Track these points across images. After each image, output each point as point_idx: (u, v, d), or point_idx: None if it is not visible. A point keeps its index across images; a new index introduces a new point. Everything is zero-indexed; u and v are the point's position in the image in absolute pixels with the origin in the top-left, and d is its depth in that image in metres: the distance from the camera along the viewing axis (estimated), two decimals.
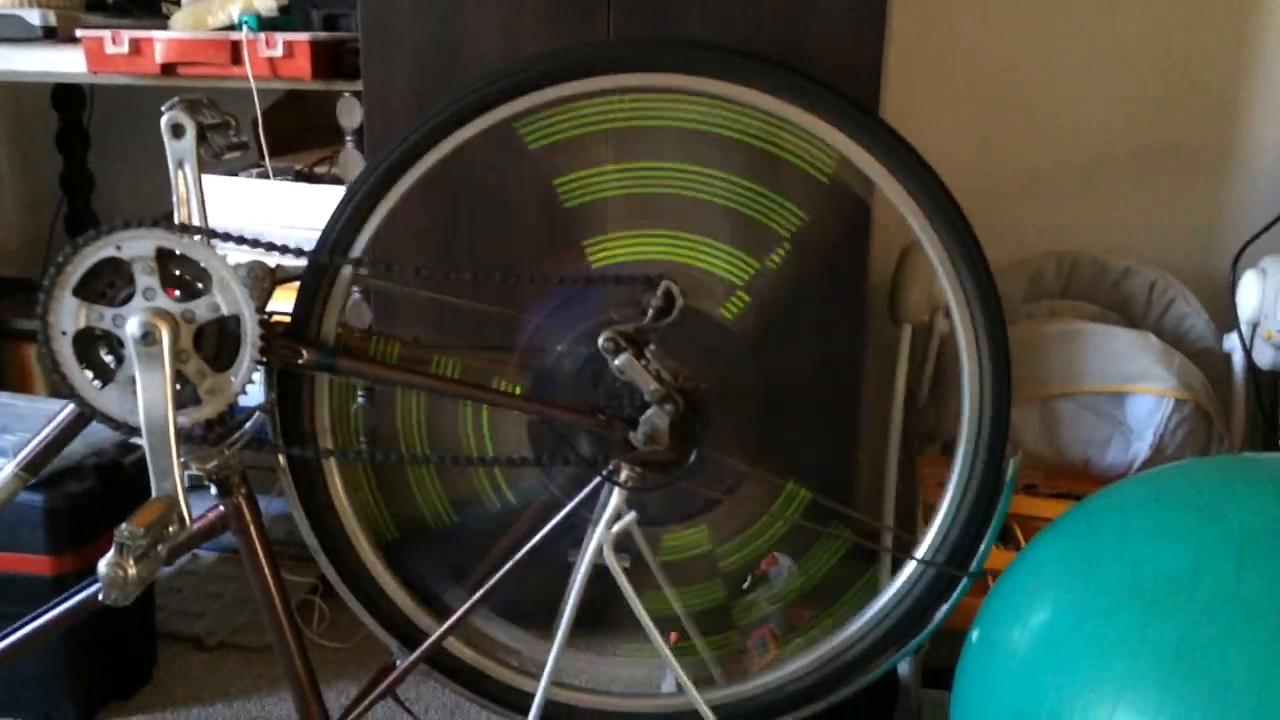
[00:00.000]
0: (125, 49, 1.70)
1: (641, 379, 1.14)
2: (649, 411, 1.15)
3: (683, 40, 1.19)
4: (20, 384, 2.11)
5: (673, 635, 1.42)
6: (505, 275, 1.16)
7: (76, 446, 1.50)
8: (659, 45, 1.18)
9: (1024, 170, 1.97)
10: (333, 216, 1.17)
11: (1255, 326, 1.70)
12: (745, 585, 1.54)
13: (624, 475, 1.16)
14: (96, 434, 1.50)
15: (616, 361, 1.13)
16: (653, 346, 1.15)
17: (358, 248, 1.17)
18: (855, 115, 1.14)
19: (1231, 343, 1.75)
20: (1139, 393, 1.64)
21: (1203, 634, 0.86)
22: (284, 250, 1.13)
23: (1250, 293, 1.68)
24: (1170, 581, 0.91)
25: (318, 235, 1.18)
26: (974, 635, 1.10)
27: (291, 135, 1.89)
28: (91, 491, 1.52)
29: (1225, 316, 1.78)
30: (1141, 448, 1.64)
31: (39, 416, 1.23)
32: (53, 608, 1.24)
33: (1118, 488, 1.10)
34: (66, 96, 2.24)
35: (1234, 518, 0.92)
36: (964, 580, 1.19)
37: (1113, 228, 1.97)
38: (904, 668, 1.53)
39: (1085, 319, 1.82)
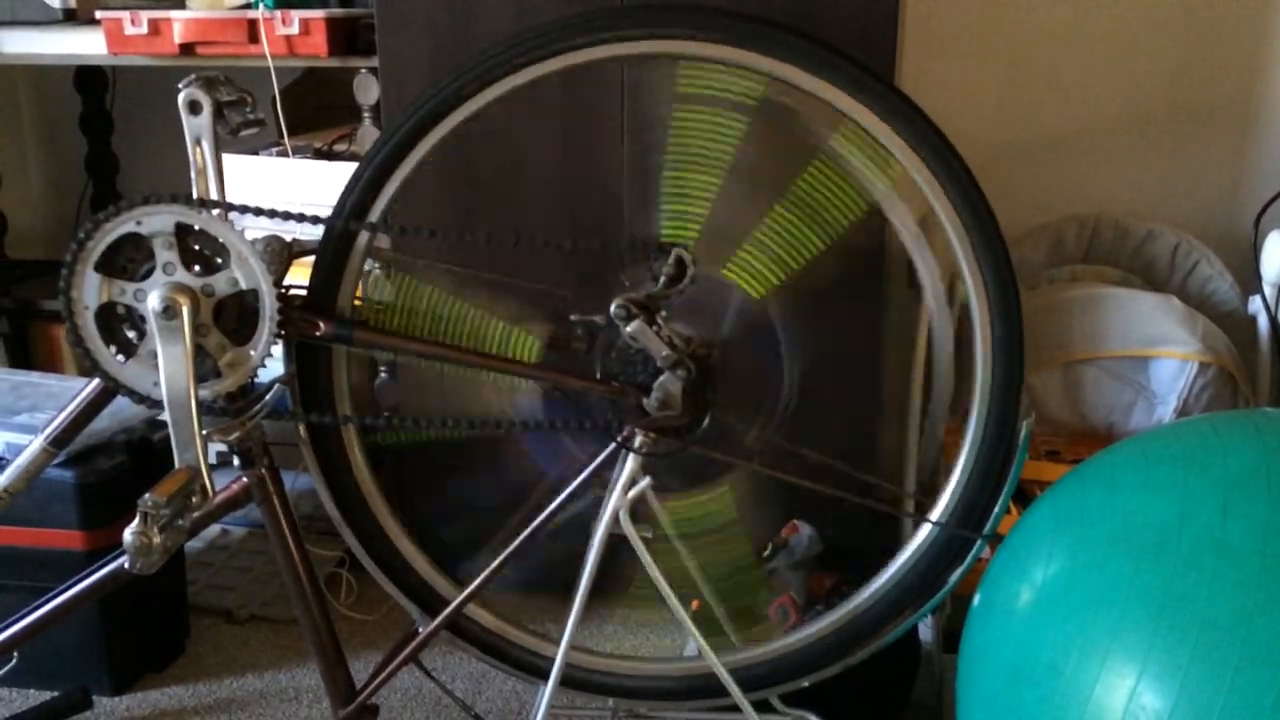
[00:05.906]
0: (144, 29, 1.72)
1: (653, 345, 1.14)
2: (662, 377, 1.16)
3: (689, 5, 1.18)
4: (51, 364, 2.14)
5: (694, 603, 1.43)
6: (519, 239, 1.17)
7: (106, 424, 1.53)
8: (665, 11, 1.18)
9: (1044, 133, 1.95)
10: (350, 181, 1.18)
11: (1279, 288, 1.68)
12: (766, 553, 1.54)
13: (638, 441, 1.16)
14: (126, 411, 1.53)
15: (628, 328, 1.14)
16: (664, 313, 1.15)
17: (374, 214, 1.18)
18: (869, 83, 1.13)
19: (1256, 305, 1.73)
20: (1162, 357, 1.62)
21: (1188, 579, 0.86)
22: (300, 219, 1.15)
23: (1274, 254, 1.65)
24: (1157, 531, 0.92)
25: None
26: (977, 598, 1.10)
27: (310, 113, 1.91)
28: (121, 467, 1.55)
29: (1251, 279, 1.75)
30: (1165, 412, 1.62)
31: (69, 396, 1.25)
32: (84, 578, 1.27)
33: (1110, 449, 1.10)
34: (89, 79, 2.27)
35: (1219, 467, 0.93)
36: (978, 542, 1.19)
37: (1135, 190, 1.94)
38: (926, 634, 1.53)
39: (1108, 283, 1.80)
